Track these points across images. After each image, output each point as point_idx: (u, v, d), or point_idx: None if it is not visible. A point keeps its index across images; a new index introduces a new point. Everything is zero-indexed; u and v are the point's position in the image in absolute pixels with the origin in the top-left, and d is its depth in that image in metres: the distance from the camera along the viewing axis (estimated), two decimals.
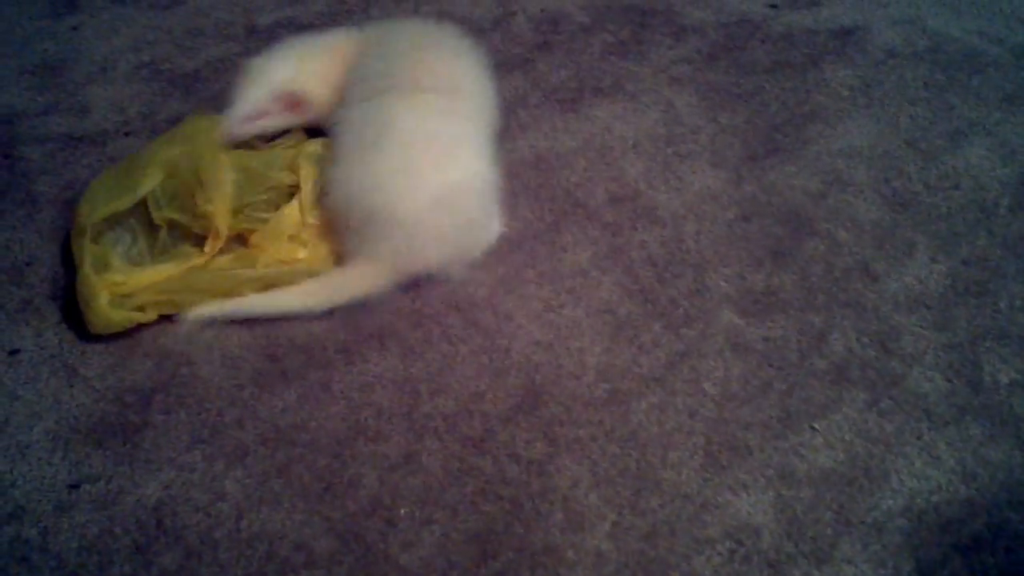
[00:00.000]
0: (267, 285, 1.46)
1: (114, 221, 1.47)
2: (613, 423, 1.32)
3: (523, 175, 1.69)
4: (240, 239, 1.49)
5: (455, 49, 1.62)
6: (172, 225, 1.47)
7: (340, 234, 1.48)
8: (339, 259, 1.49)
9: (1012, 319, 1.44)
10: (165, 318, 1.44)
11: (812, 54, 1.96)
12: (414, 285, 1.49)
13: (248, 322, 1.45)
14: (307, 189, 1.50)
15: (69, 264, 1.50)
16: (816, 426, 1.31)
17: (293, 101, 1.58)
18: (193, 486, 1.26)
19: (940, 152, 1.72)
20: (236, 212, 1.47)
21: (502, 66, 1.91)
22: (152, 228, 1.47)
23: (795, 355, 1.40)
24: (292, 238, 1.48)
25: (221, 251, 1.47)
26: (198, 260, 1.45)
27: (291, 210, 1.49)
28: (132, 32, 2.06)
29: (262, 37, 2.03)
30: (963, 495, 1.23)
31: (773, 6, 2.11)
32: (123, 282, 1.41)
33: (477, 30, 2.02)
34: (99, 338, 1.43)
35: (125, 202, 1.45)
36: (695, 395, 1.35)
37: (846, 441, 1.30)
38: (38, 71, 1.96)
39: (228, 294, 1.45)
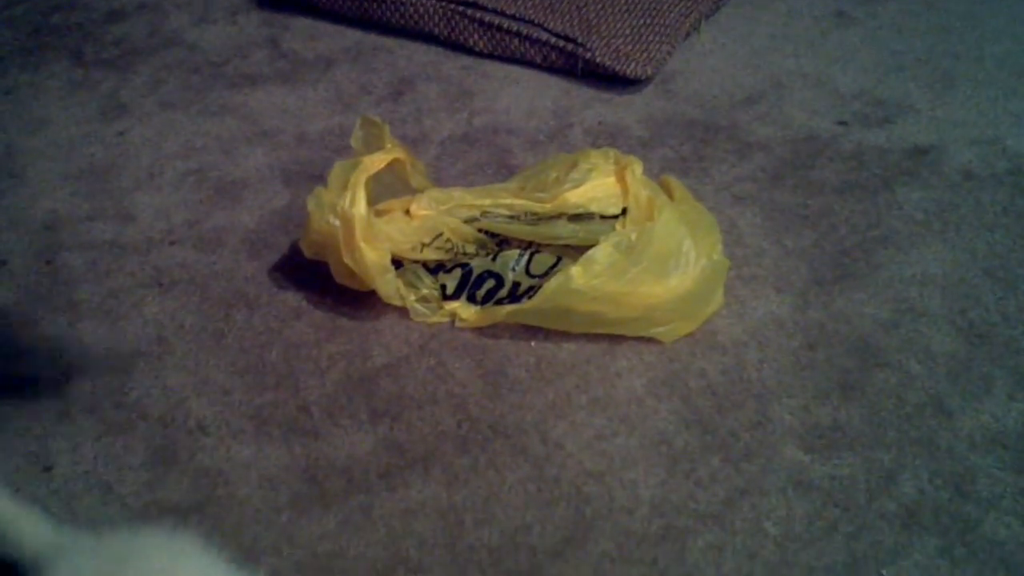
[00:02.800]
0: None
1: None
2: (667, 562, 1.35)
3: None
4: None
5: None
6: None
7: None
8: None
9: None
10: None
11: (884, 175, 2.01)
12: (461, 407, 1.55)
13: (288, 440, 1.51)
14: None
15: (111, 372, 1.59)
16: (884, 572, 1.33)
17: None
18: None
19: (1020, 282, 1.75)
20: None
21: None
22: None
23: (863, 495, 1.42)
24: None
25: None
26: None
27: None
28: (180, 138, 2.16)
29: (312, 145, 2.13)
30: None
31: (843, 123, 2.16)
32: None
33: (532, 142, 2.11)
34: (135, 454, 1.49)
35: None
36: (755, 535, 1.38)
37: None
38: (84, 176, 2.06)
39: None
